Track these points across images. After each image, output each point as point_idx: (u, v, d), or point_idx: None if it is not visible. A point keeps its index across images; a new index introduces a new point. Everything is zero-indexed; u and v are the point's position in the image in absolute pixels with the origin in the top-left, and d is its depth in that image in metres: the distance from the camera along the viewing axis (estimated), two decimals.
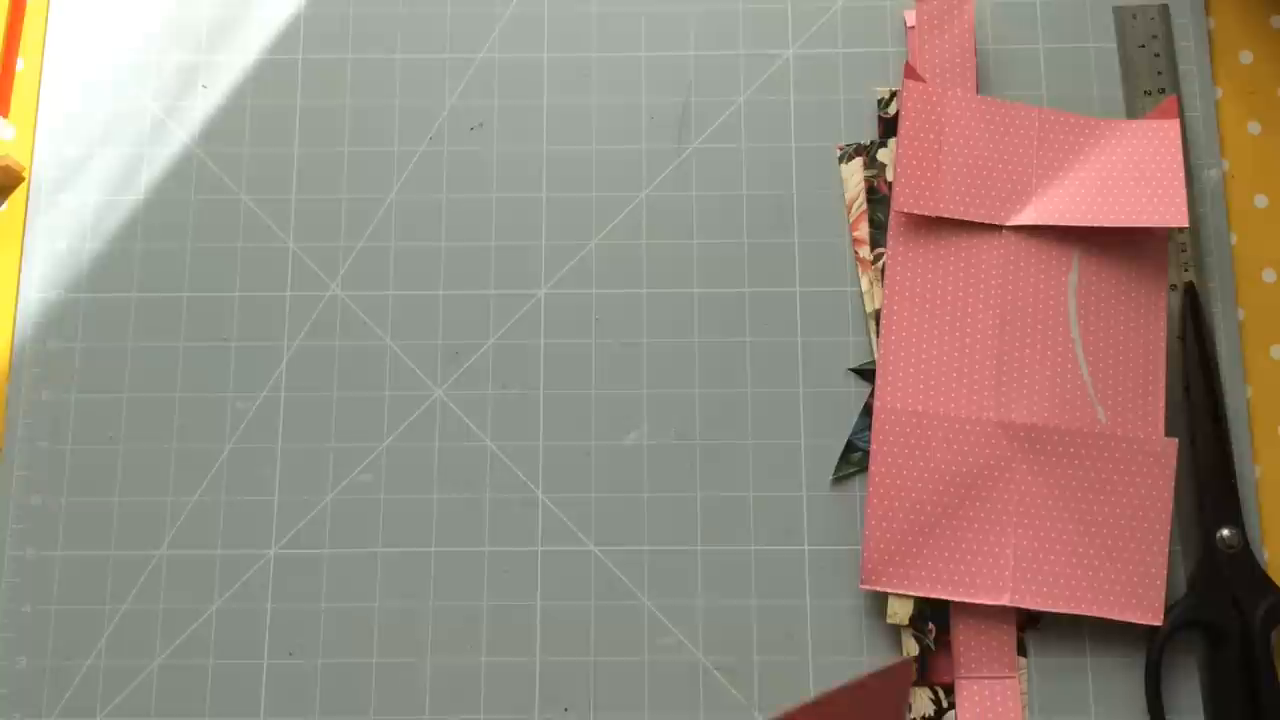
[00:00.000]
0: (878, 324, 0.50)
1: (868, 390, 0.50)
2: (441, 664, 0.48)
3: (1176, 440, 0.48)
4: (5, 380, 0.51)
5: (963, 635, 0.47)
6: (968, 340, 0.49)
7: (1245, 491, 0.49)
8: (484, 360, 0.51)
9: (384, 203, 0.52)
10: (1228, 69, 0.53)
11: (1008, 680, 0.47)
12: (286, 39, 0.54)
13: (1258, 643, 0.46)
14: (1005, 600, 0.47)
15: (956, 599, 0.47)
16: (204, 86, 0.54)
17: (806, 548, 0.49)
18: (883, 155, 0.52)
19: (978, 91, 0.52)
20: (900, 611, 0.47)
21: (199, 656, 0.48)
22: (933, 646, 0.47)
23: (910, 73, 0.51)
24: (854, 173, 0.52)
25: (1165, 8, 0.53)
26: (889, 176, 0.52)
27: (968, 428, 0.48)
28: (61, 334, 0.51)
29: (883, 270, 0.51)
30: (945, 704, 0.47)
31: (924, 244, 0.50)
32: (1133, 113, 0.52)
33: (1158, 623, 0.47)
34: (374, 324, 0.51)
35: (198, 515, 0.49)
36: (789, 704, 0.46)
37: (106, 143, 0.53)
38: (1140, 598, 0.47)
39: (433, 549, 0.49)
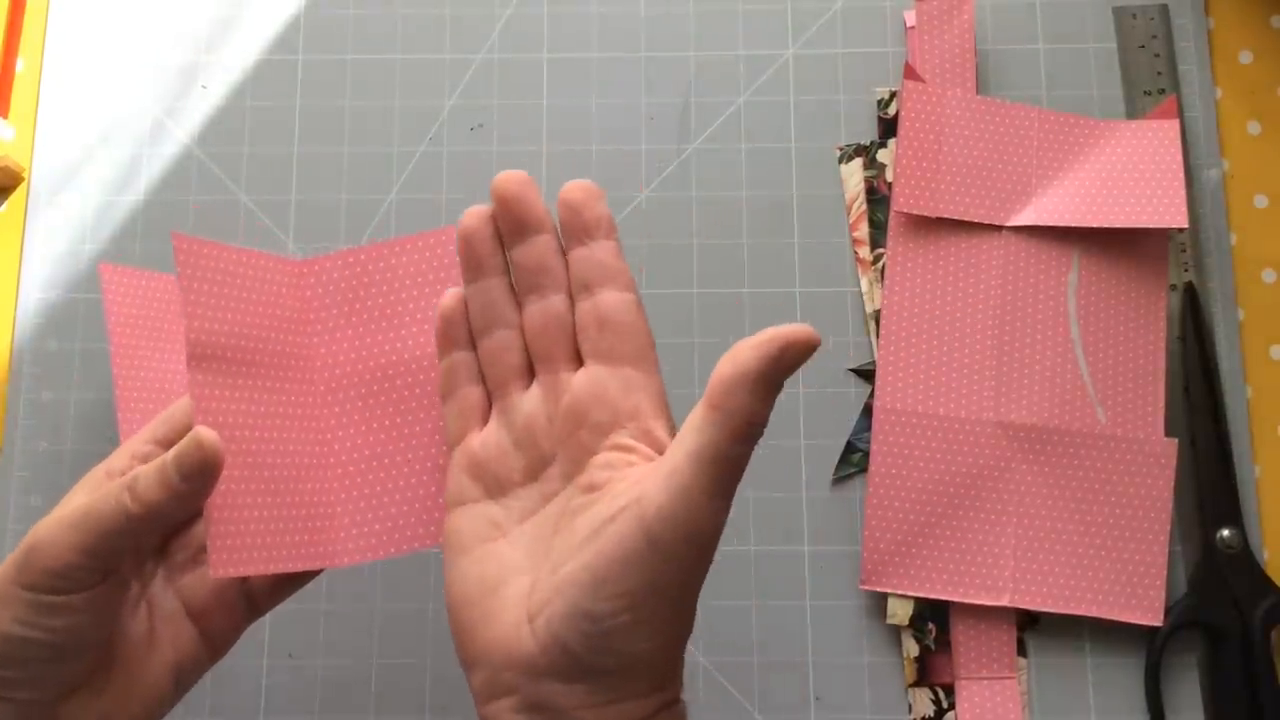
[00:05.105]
0: (877, 324, 0.50)
1: (868, 390, 0.50)
2: (441, 664, 0.48)
3: (1176, 440, 0.48)
4: (5, 380, 0.51)
5: (962, 635, 0.47)
6: (967, 340, 0.49)
7: (1245, 491, 0.49)
8: None
9: (384, 203, 0.52)
10: (1228, 69, 0.53)
11: (1007, 680, 0.47)
12: (286, 39, 0.54)
13: (1258, 643, 0.46)
14: (1005, 600, 0.47)
15: (956, 599, 0.47)
16: (204, 87, 0.54)
17: (806, 548, 0.49)
18: (883, 155, 0.52)
19: (978, 91, 0.52)
20: (900, 612, 0.47)
21: None
22: (933, 646, 0.47)
23: (910, 73, 0.51)
24: (854, 173, 0.52)
25: (1165, 8, 0.53)
26: (889, 177, 0.52)
27: (967, 428, 0.48)
28: (61, 334, 0.51)
29: (882, 270, 0.50)
30: (945, 704, 0.47)
31: (924, 244, 0.50)
32: (1133, 113, 0.52)
33: (1158, 623, 0.47)
34: None
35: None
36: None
37: (106, 143, 0.53)
38: (1140, 598, 0.47)
39: (434, 549, 0.49)
